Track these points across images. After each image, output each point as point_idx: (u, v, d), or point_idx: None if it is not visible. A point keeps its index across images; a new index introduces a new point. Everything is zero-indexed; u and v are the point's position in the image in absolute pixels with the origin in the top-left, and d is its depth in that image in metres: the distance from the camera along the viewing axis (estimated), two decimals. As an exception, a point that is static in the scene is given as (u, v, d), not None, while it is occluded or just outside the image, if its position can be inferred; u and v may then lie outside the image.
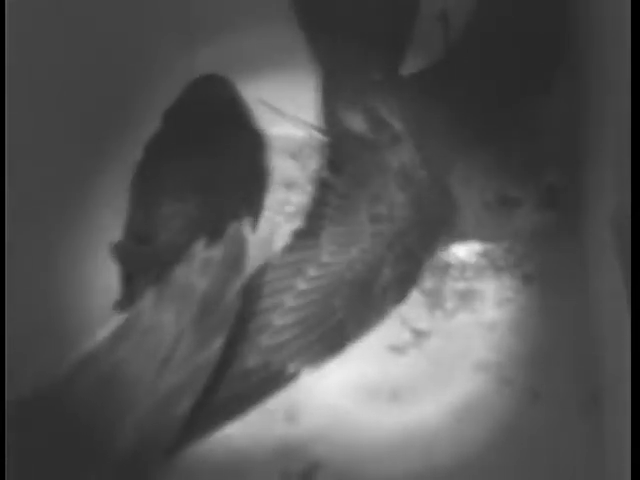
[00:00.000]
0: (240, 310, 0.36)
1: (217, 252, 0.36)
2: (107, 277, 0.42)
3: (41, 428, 0.33)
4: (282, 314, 0.39)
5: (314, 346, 0.38)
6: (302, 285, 0.39)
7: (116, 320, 0.36)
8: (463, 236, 0.42)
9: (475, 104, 0.42)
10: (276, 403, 0.40)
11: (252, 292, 0.39)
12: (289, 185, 0.46)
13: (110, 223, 0.43)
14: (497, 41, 0.43)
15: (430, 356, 0.42)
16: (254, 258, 0.38)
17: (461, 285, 0.43)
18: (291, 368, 0.38)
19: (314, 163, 0.46)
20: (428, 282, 0.43)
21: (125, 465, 0.33)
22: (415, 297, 0.43)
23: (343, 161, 0.43)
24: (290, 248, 0.41)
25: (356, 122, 0.44)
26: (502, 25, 0.43)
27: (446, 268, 0.44)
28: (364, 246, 0.40)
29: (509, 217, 0.40)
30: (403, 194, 0.40)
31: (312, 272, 0.40)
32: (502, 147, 0.40)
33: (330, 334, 0.38)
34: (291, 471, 0.39)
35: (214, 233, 0.37)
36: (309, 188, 0.45)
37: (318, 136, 0.47)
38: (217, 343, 0.35)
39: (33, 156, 0.39)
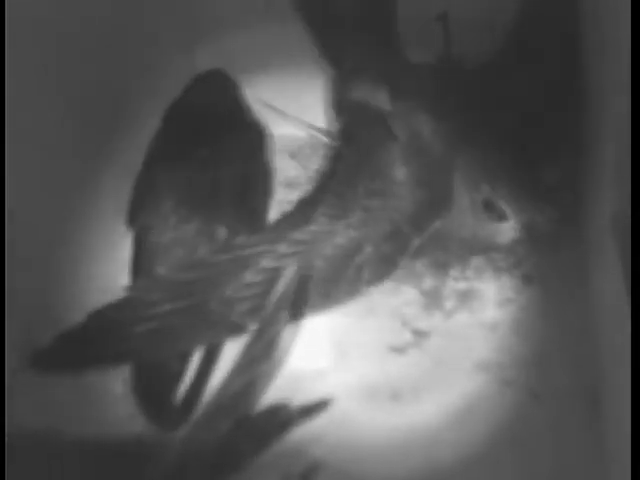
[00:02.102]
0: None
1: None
2: (107, 276, 0.42)
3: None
4: (255, 273, 0.39)
5: (277, 309, 0.38)
6: (282, 248, 0.39)
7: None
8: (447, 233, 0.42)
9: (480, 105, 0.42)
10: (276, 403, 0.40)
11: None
12: (289, 185, 0.46)
13: (110, 222, 0.43)
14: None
15: (430, 356, 0.42)
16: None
17: (461, 285, 0.43)
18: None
19: (314, 163, 0.46)
20: (428, 282, 0.43)
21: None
22: (415, 297, 0.43)
23: (354, 131, 0.43)
24: (286, 215, 0.42)
25: (374, 94, 0.43)
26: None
27: (446, 268, 0.44)
28: (351, 221, 0.40)
29: (489, 227, 0.40)
30: (405, 169, 0.40)
31: (297, 235, 0.40)
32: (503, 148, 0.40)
33: (295, 302, 0.38)
34: (291, 471, 0.39)
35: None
36: (309, 188, 0.45)
37: (318, 136, 0.47)
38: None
39: (33, 156, 0.39)
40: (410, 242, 0.40)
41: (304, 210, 0.41)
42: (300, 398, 0.40)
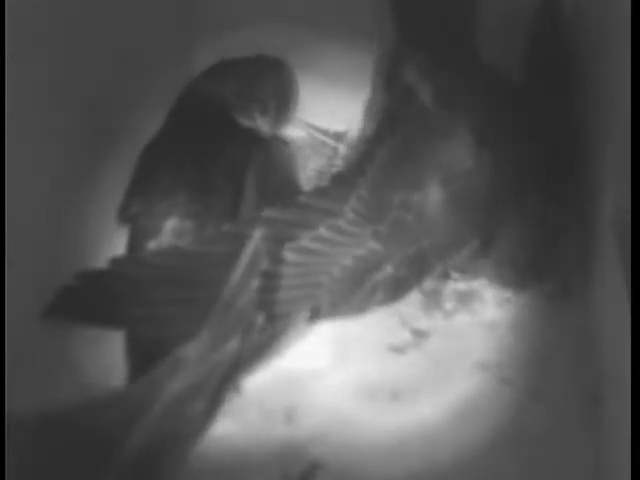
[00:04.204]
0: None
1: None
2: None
3: (48, 434, 0.33)
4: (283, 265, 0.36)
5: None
6: (305, 242, 0.37)
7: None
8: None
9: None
10: (276, 403, 0.40)
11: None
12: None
13: (109, 220, 0.43)
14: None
15: (430, 356, 0.42)
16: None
17: (461, 285, 0.43)
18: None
19: (314, 163, 0.46)
20: (428, 282, 0.43)
21: (134, 469, 0.33)
22: (415, 297, 0.43)
23: (399, 122, 0.40)
24: (320, 191, 0.38)
25: (424, 92, 0.41)
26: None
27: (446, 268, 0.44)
28: (379, 230, 0.37)
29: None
30: (442, 190, 0.37)
31: (323, 232, 0.37)
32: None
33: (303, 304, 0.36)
34: (291, 471, 0.39)
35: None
36: (309, 188, 0.45)
37: (318, 136, 0.47)
38: (233, 343, 0.35)
39: (33, 156, 0.39)
40: (430, 271, 0.38)
41: (337, 192, 0.38)
42: (300, 398, 0.40)
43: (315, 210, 0.37)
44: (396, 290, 0.38)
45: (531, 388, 0.40)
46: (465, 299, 0.43)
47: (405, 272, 0.37)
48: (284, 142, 0.46)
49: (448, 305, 0.43)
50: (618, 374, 0.33)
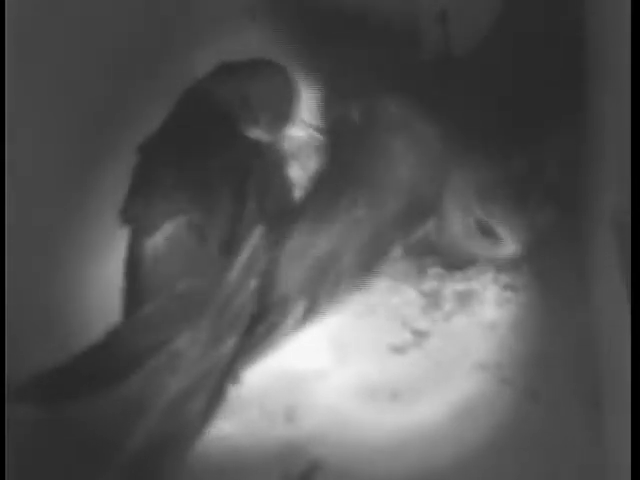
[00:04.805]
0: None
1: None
2: (108, 277, 0.42)
3: (48, 433, 0.33)
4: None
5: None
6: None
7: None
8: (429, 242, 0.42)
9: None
10: (276, 403, 0.40)
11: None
12: (289, 185, 0.46)
13: (110, 223, 0.43)
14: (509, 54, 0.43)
15: (430, 356, 0.42)
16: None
17: (461, 286, 0.43)
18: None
19: (314, 163, 0.46)
20: (428, 283, 0.43)
21: (134, 469, 0.33)
22: (415, 298, 0.43)
23: (341, 131, 0.43)
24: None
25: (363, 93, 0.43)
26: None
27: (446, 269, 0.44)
28: (332, 232, 0.39)
29: (481, 248, 0.40)
30: (392, 175, 0.40)
31: (291, 241, 0.39)
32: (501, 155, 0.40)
33: (277, 309, 0.38)
34: (291, 471, 0.39)
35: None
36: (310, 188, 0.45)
37: (318, 136, 0.47)
38: (230, 342, 0.35)
39: (33, 156, 0.39)
40: (391, 246, 0.39)
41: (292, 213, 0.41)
42: (300, 398, 0.40)
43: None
44: (358, 276, 0.39)
45: (531, 388, 0.40)
46: (465, 299, 0.43)
47: (364, 256, 0.39)
48: (281, 146, 0.46)
49: (448, 305, 0.43)
50: (618, 374, 0.33)
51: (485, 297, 0.43)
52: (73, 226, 0.43)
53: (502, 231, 0.39)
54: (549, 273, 0.43)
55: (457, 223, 0.40)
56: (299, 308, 0.38)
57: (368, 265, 0.40)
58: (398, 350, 0.42)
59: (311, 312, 0.39)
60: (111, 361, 0.35)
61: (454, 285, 0.43)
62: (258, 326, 0.37)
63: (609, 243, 0.34)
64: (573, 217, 0.42)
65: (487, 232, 0.39)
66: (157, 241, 0.41)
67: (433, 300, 0.43)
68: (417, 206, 0.40)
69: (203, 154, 0.43)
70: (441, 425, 0.39)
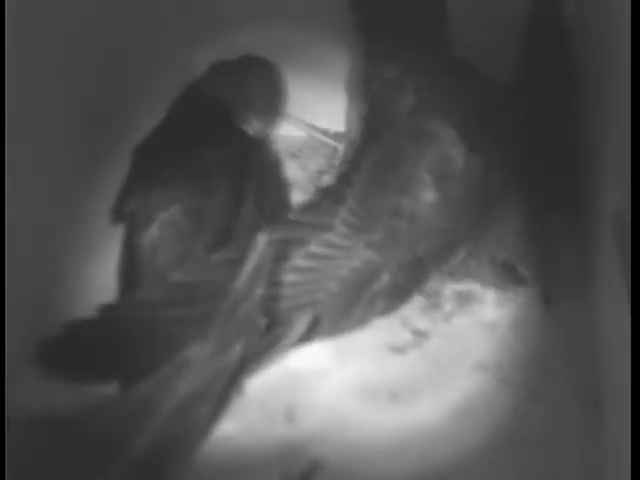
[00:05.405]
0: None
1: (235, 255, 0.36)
2: (107, 275, 0.42)
3: (55, 433, 0.33)
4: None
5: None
6: (299, 262, 0.36)
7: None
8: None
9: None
10: (276, 403, 0.40)
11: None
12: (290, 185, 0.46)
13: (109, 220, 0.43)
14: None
15: (430, 356, 0.42)
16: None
17: (461, 286, 0.43)
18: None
19: (314, 163, 0.46)
20: (428, 283, 0.43)
21: (139, 471, 0.33)
22: (415, 298, 0.43)
23: (382, 128, 0.39)
24: (309, 207, 0.38)
25: (406, 91, 0.40)
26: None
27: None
28: (373, 239, 0.36)
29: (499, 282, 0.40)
30: (433, 193, 0.37)
31: (313, 248, 0.36)
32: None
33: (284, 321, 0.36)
34: (291, 471, 0.39)
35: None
36: (310, 188, 0.45)
37: (318, 136, 0.47)
38: (238, 347, 0.35)
39: (33, 156, 0.39)
40: (428, 275, 0.37)
41: (327, 206, 0.37)
42: (300, 398, 0.40)
43: (305, 226, 0.37)
44: (395, 298, 0.37)
45: (531, 388, 0.40)
46: (465, 300, 0.43)
47: (403, 279, 0.37)
48: (274, 142, 0.46)
49: (448, 306, 0.43)
50: (618, 374, 0.33)
51: (485, 297, 0.43)
52: (73, 226, 0.43)
53: (524, 271, 0.39)
54: (549, 273, 0.43)
55: (477, 256, 0.39)
56: (305, 321, 0.36)
57: (405, 289, 0.37)
58: (398, 350, 0.42)
59: (320, 327, 0.37)
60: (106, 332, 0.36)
61: (454, 285, 0.43)
62: (265, 335, 0.36)
63: (609, 243, 0.34)
64: (573, 217, 0.42)
65: (510, 270, 0.39)
66: (153, 232, 0.41)
67: (433, 300, 0.43)
68: (456, 232, 0.38)
69: (199, 147, 0.43)
70: (441, 425, 0.39)
